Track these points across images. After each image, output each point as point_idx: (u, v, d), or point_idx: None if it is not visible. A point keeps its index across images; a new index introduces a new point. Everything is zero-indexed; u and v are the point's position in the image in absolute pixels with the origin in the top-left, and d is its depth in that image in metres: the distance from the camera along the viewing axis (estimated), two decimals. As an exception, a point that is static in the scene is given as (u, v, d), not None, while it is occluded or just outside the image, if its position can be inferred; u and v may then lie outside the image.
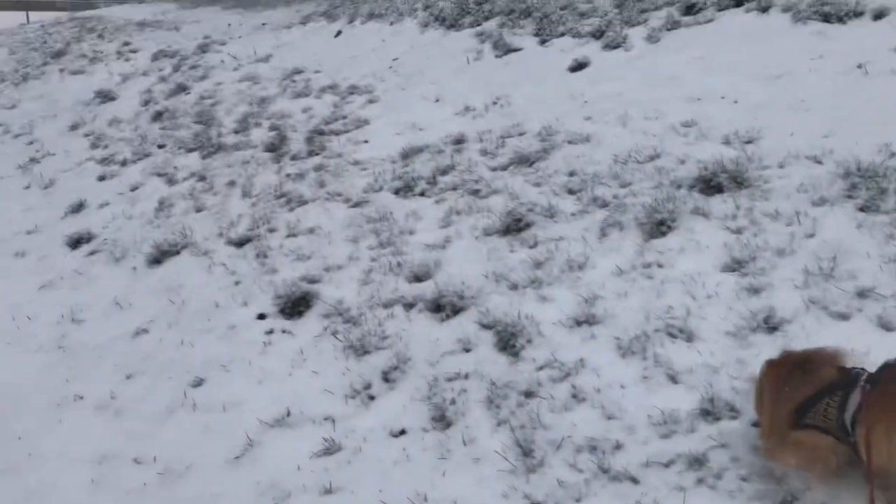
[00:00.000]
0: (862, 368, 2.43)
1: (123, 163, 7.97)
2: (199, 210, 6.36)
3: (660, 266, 4.00)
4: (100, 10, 27.21)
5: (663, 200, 4.40)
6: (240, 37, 13.73)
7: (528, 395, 3.38)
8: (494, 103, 6.78)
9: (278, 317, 4.55)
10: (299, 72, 9.54)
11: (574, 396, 3.31)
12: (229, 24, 15.71)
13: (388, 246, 4.98)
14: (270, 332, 4.40)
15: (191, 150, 7.76)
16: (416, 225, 5.15)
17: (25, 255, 6.22)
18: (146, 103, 10.11)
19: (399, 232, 5.10)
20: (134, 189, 7.18)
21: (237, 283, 5.02)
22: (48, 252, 6.22)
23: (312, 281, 4.81)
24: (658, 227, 4.23)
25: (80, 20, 22.96)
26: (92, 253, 6.06)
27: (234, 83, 9.93)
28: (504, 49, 7.95)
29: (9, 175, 8.46)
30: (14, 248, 6.37)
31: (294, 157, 6.86)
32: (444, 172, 5.76)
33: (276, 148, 7.18)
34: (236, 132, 7.93)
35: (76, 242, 6.29)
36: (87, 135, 9.38)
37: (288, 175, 6.52)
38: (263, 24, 14.99)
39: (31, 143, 9.63)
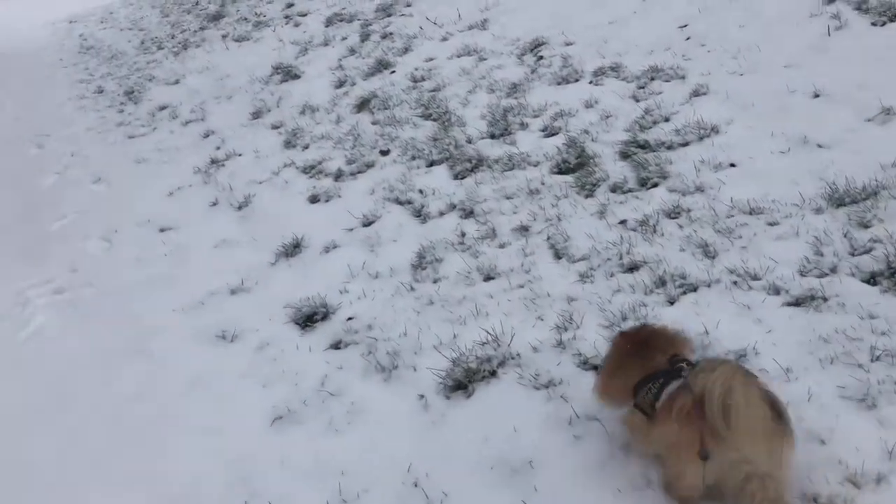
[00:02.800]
0: (688, 362, 2.43)
1: (338, 175, 5.63)
2: (488, 278, 3.93)
3: None
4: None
5: None
6: (422, -5, 11.17)
7: None
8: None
9: None
10: (541, 43, 6.92)
11: None
12: (403, -20, 13.15)
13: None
14: None
15: (433, 164, 5.33)
16: None
17: (236, 340, 3.98)
18: (341, 84, 7.74)
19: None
20: (368, 224, 4.83)
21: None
22: (268, 334, 3.96)
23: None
24: None
25: (228, -21, 20.96)
26: (336, 346, 3.75)
27: (451, 59, 7.42)
28: (885, 12, 5.09)
29: (188, 184, 6.30)
30: (217, 321, 4.15)
31: (617, 189, 4.31)
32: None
33: (574, 168, 4.65)
34: (493, 136, 5.43)
35: (307, 320, 4.00)
36: (275, 126, 7.12)
37: (623, 223, 3.98)
38: (446, -21, 12.35)
39: (206, 135, 7.46)
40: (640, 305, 3.32)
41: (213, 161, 6.59)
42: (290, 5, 12.76)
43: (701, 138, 4.48)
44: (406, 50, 8.13)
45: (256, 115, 7.60)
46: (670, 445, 2.28)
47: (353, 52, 8.73)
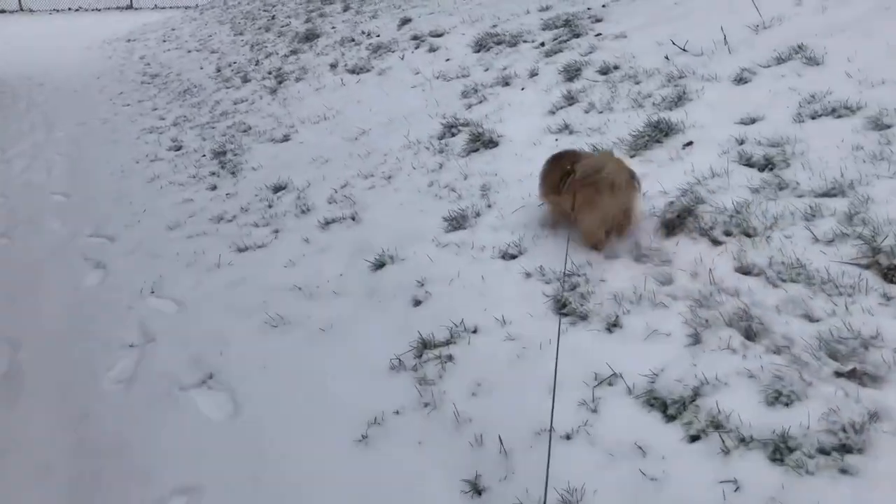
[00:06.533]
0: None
1: (745, 439, 2.23)
2: None
3: None
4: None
5: None
6: (603, 5, 7.72)
7: None
8: None
9: None
10: None
11: None
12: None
13: None
14: None
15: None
16: None
17: None
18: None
19: None
20: None
21: None
22: None
23: None
24: None
25: (299, -13, 17.64)
26: None
27: (803, 122, 3.99)
28: None
29: (391, 408, 2.93)
30: None
31: None
32: None
33: None
34: None
35: None
36: (510, 255, 3.74)
37: None
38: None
39: (378, 263, 4.08)
40: None
41: (425, 344, 3.22)
42: (406, 21, 9.37)
43: None
44: (679, 99, 4.70)
45: (456, 222, 4.20)
46: (578, 207, 3.38)
47: (570, 99, 5.31)
